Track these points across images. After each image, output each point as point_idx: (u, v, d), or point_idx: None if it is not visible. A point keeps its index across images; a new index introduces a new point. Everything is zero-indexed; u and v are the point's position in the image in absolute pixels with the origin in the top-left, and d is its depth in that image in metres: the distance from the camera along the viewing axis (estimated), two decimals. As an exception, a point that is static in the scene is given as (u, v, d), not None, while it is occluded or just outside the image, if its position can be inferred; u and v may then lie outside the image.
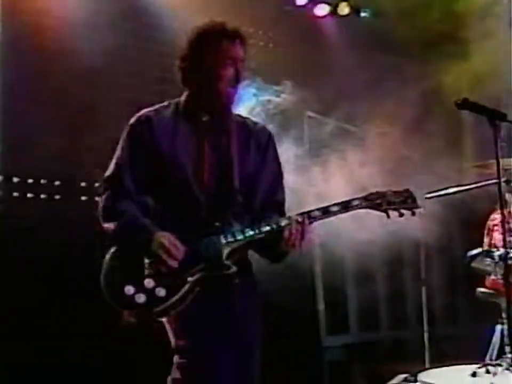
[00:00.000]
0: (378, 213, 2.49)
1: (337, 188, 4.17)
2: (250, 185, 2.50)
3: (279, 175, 2.61)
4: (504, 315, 3.81)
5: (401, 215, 2.47)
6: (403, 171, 4.37)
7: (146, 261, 2.36)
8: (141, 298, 2.32)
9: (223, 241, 2.38)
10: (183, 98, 2.55)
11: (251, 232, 2.40)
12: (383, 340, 5.34)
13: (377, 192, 2.48)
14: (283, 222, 2.40)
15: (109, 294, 2.36)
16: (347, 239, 4.15)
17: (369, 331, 5.33)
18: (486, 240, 4.28)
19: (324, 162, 4.57)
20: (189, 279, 2.35)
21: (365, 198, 2.47)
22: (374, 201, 2.46)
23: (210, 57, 2.41)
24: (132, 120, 2.51)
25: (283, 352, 4.20)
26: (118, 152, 2.51)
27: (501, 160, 3.76)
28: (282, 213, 2.54)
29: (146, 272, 2.35)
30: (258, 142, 2.56)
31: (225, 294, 2.40)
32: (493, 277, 4.05)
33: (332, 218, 2.45)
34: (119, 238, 2.41)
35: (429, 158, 4.69)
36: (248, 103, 4.59)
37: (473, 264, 4.09)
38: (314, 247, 4.67)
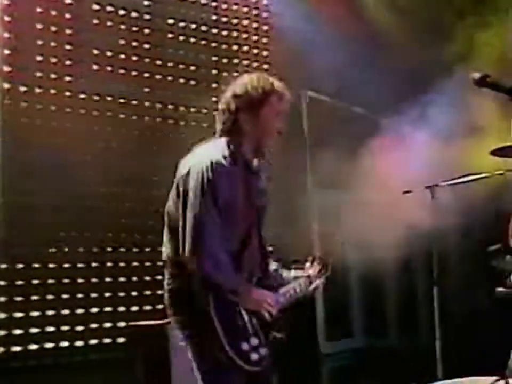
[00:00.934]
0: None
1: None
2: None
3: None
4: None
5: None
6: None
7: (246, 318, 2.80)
8: (254, 356, 2.79)
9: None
10: (244, 148, 2.94)
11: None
12: (391, 347, 5.38)
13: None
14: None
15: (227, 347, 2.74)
16: (350, 236, 4.25)
17: (376, 336, 5.35)
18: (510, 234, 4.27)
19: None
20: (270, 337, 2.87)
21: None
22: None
23: (270, 113, 2.90)
24: (209, 172, 2.82)
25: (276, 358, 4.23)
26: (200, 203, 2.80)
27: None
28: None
29: (249, 330, 2.81)
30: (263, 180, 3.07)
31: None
32: None
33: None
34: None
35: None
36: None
37: (493, 263, 4.15)
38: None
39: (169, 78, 5.36)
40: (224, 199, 2.79)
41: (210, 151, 2.88)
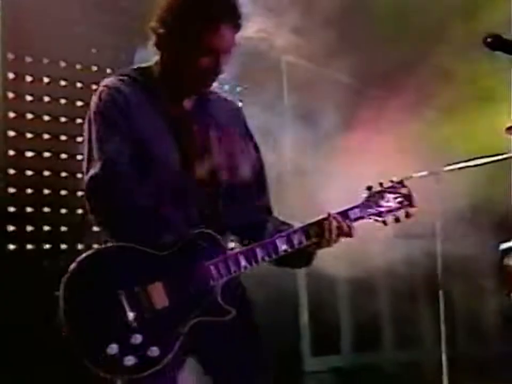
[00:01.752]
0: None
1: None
2: (233, 185, 2.65)
3: (262, 169, 2.77)
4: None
5: (397, 220, 2.67)
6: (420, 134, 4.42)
7: (128, 308, 2.37)
8: (129, 360, 2.34)
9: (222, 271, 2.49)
10: (155, 68, 2.63)
11: (283, 247, 2.54)
12: (384, 363, 5.26)
13: (376, 194, 2.66)
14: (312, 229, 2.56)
15: (84, 353, 2.34)
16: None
17: (367, 352, 5.19)
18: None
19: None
20: (182, 330, 2.42)
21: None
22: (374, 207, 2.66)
23: (202, 33, 2.50)
24: (103, 94, 2.55)
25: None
26: (98, 134, 2.52)
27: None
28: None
29: (130, 323, 2.38)
30: (235, 126, 2.73)
31: (222, 342, 2.54)
32: None
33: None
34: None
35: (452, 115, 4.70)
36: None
37: (506, 261, 4.07)
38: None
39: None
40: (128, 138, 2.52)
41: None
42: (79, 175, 3.63)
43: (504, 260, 4.07)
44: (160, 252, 2.43)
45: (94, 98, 2.55)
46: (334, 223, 2.55)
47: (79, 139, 4.21)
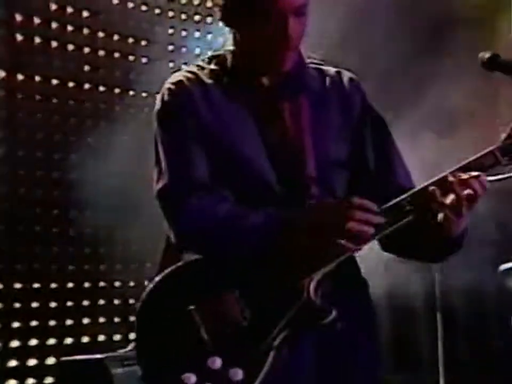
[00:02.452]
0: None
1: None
2: (338, 176, 2.26)
3: (392, 153, 2.32)
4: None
5: None
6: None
7: (202, 325, 2.07)
8: None
9: None
10: (229, 51, 2.32)
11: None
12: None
13: None
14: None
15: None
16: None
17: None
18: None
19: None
20: (272, 344, 2.04)
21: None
22: None
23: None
24: (166, 96, 2.26)
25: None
26: (163, 143, 2.24)
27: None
28: None
29: (206, 343, 2.05)
30: (346, 104, 2.32)
31: (327, 350, 2.14)
32: None
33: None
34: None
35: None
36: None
37: (509, 283, 4.09)
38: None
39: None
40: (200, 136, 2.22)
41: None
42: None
43: (506, 282, 4.09)
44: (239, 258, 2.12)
45: (157, 101, 2.28)
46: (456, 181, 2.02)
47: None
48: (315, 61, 2.38)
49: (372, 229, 2.02)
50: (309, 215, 2.09)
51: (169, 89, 2.26)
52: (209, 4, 5.69)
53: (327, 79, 2.35)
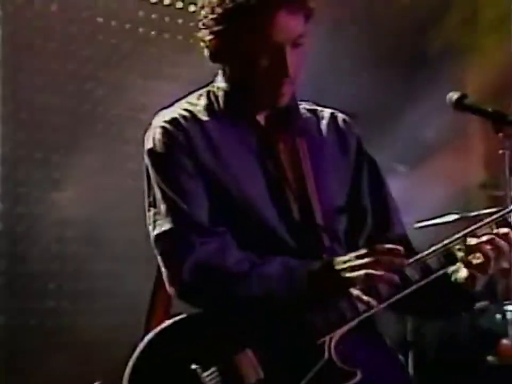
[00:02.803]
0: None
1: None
2: (340, 221, 2.20)
3: (386, 196, 2.31)
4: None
5: None
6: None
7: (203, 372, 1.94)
8: None
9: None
10: (220, 87, 2.22)
11: (416, 277, 1.93)
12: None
13: None
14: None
15: None
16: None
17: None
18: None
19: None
20: None
21: None
22: None
23: (255, 27, 2.06)
24: (158, 135, 2.14)
25: None
26: (161, 185, 2.12)
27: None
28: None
29: None
30: (343, 146, 2.28)
31: None
32: (505, 341, 4.05)
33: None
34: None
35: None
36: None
37: (482, 323, 4.10)
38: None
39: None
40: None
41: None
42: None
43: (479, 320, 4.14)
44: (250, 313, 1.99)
45: (149, 140, 2.16)
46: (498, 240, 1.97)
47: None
48: (307, 103, 2.34)
49: (396, 276, 1.92)
50: (330, 268, 1.98)
51: (163, 127, 2.14)
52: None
53: (323, 122, 2.30)
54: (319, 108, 2.35)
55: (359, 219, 2.25)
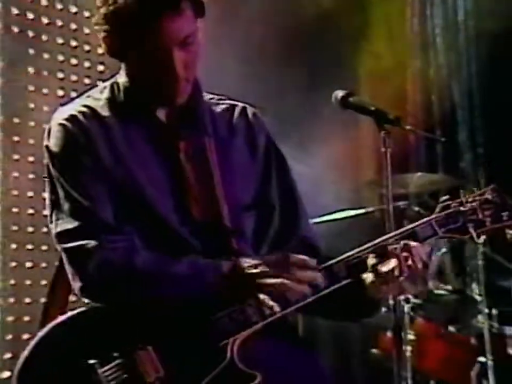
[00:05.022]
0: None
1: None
2: (247, 220, 2.24)
3: (292, 190, 2.36)
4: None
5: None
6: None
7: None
8: None
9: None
10: (122, 82, 2.25)
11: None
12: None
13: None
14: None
15: None
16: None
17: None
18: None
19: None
20: None
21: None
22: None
23: (139, 32, 2.09)
24: (59, 132, 2.16)
25: None
26: (62, 183, 2.13)
27: (399, 176, 4.08)
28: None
29: None
30: (252, 142, 2.32)
31: None
32: (389, 333, 4.20)
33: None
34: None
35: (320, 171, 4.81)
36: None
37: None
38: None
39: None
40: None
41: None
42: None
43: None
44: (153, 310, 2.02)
45: (48, 136, 2.18)
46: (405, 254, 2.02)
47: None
48: (218, 96, 2.37)
49: (307, 288, 1.99)
50: (240, 270, 2.03)
51: (62, 125, 2.17)
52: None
53: (234, 117, 2.32)
54: (231, 102, 2.38)
55: (267, 218, 2.28)
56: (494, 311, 4.34)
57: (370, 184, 4.47)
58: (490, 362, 4.14)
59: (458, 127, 5.56)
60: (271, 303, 1.99)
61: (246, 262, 2.04)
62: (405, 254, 2.04)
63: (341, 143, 5.01)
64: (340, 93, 2.47)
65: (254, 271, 2.00)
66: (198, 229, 2.15)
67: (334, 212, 4.36)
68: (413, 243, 2.08)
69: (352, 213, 4.37)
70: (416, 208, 4.37)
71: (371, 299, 2.12)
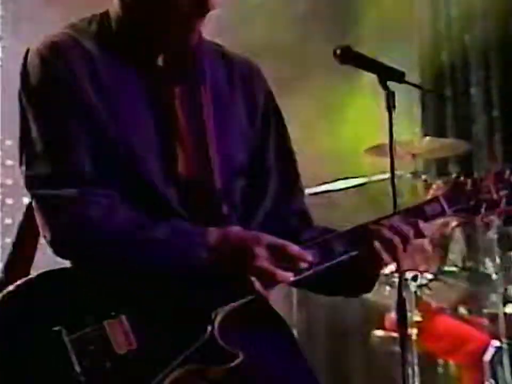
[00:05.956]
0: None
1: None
2: (242, 181, 2.10)
3: (290, 156, 2.22)
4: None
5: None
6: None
7: (74, 356, 1.81)
8: None
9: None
10: (115, 14, 2.04)
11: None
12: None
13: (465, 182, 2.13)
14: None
15: None
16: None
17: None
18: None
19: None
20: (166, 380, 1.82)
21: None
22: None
23: None
24: (37, 62, 1.96)
25: None
26: (37, 120, 1.96)
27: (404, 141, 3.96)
28: (309, 224, 2.15)
29: (78, 379, 1.81)
30: (251, 99, 2.15)
31: None
32: (393, 314, 4.11)
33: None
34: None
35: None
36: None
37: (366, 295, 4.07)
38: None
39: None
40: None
41: None
42: None
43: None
44: (127, 276, 1.88)
45: (23, 67, 1.98)
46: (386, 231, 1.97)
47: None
48: (218, 45, 2.20)
49: (287, 274, 1.90)
50: (235, 245, 1.91)
51: (40, 55, 1.96)
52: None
53: (233, 69, 2.15)
54: (231, 53, 2.20)
55: (261, 183, 2.15)
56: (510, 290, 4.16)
57: (371, 150, 4.23)
58: (505, 346, 4.02)
59: (472, 87, 5.36)
60: (257, 284, 1.90)
61: (239, 233, 1.93)
62: (410, 231, 2.00)
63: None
64: (340, 47, 2.33)
65: (257, 251, 1.88)
66: (184, 188, 2.00)
67: (331, 182, 4.30)
68: (419, 221, 2.03)
69: (352, 183, 4.30)
70: (423, 177, 4.25)
71: (367, 275, 2.08)
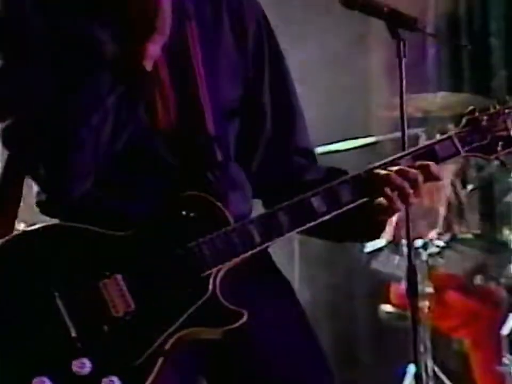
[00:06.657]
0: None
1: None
2: (235, 122, 2.03)
3: (288, 88, 2.15)
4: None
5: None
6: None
7: (68, 318, 1.77)
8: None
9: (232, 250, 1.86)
10: None
11: (322, 209, 1.90)
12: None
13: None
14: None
15: None
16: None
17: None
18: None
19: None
20: (161, 347, 1.79)
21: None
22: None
23: None
24: None
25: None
26: None
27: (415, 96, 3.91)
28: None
29: (73, 340, 1.77)
30: (240, 26, 2.06)
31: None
32: (402, 285, 3.96)
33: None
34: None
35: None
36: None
37: (374, 266, 4.04)
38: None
39: None
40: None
41: None
42: None
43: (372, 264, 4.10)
44: (120, 231, 1.84)
45: None
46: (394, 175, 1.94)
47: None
48: None
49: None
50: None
51: None
52: None
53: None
54: None
55: (256, 123, 2.09)
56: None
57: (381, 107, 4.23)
58: (525, 319, 3.97)
59: (490, 38, 5.18)
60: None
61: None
62: (419, 176, 1.96)
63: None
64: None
65: None
66: (171, 137, 1.93)
67: (339, 141, 4.22)
68: (430, 163, 2.00)
69: (360, 142, 4.23)
70: (438, 135, 4.05)
71: (374, 221, 2.03)
